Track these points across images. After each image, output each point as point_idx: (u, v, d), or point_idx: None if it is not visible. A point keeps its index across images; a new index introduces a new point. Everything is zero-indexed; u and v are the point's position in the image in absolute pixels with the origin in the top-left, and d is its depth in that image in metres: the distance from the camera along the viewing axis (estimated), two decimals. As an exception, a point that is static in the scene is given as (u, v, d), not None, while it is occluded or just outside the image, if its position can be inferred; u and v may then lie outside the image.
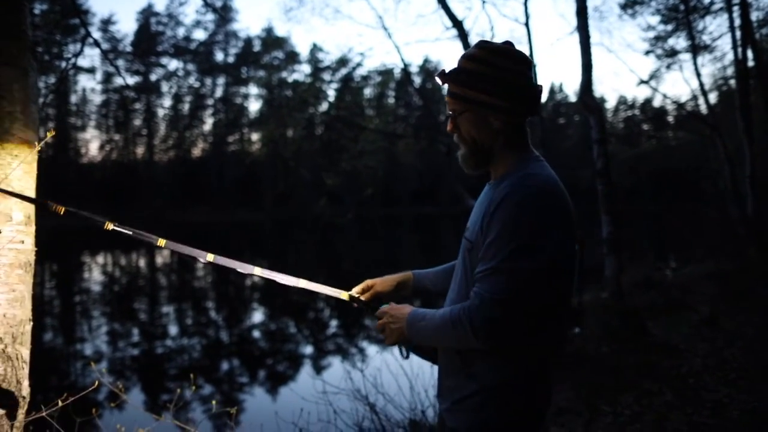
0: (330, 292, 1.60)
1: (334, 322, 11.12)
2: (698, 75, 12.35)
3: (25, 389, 1.66)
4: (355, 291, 1.63)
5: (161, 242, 1.47)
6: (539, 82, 1.32)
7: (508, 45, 1.31)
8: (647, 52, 14.37)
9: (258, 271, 1.57)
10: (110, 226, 1.44)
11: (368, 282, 1.64)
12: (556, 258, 1.16)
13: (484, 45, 1.30)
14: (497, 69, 1.27)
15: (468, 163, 1.35)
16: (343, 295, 1.62)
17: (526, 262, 1.13)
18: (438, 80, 1.34)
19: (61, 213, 1.47)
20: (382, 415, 3.82)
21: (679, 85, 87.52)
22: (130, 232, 1.47)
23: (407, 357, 1.46)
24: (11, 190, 1.53)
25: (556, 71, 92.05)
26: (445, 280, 1.54)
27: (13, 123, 1.63)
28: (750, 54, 10.89)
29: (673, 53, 13.89)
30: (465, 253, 1.31)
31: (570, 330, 6.97)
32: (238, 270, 1.54)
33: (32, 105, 1.70)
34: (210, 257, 1.49)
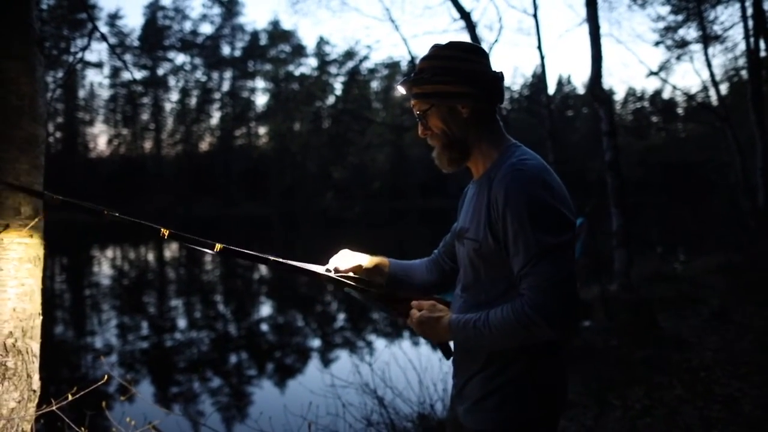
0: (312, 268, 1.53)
1: (341, 315, 11.16)
2: (709, 66, 12.22)
3: (36, 383, 1.66)
4: (334, 263, 1.54)
5: (218, 247, 1.41)
6: (499, 70, 1.35)
7: (458, 41, 1.35)
8: (657, 43, 14.23)
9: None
10: (165, 233, 1.37)
11: (348, 254, 1.56)
12: (574, 224, 1.20)
13: (437, 45, 1.35)
14: (454, 59, 1.30)
15: (442, 160, 1.35)
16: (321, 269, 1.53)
17: (556, 238, 1.15)
18: (400, 89, 1.36)
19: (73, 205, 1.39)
20: (390, 409, 3.83)
21: (689, 76, 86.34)
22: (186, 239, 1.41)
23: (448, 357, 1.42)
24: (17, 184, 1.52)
25: (564, 63, 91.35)
26: (417, 275, 1.56)
27: (20, 117, 1.62)
28: (762, 44, 10.74)
29: (683, 44, 13.73)
30: (471, 253, 1.29)
31: (578, 323, 6.95)
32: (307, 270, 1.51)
33: (39, 99, 1.69)
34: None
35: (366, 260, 1.53)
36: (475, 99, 1.29)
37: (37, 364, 1.66)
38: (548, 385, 1.24)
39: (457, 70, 1.28)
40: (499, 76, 1.33)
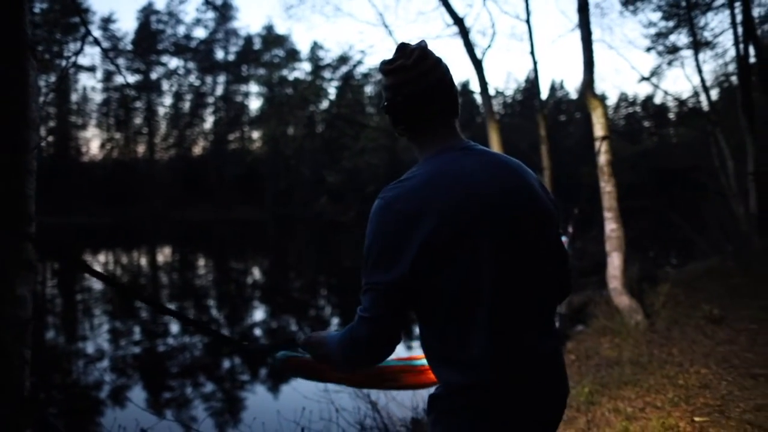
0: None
1: (335, 320, 11.13)
2: (700, 71, 12.35)
3: (27, 390, 1.65)
4: None
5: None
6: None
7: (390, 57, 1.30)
8: (648, 49, 14.35)
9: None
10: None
11: None
12: (419, 267, 1.11)
13: None
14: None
15: None
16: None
17: (380, 275, 1.14)
18: None
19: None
20: (384, 413, 3.83)
21: (680, 81, 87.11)
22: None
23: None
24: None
25: (557, 68, 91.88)
26: None
27: (13, 124, 1.62)
28: (752, 50, 10.86)
29: (674, 50, 13.86)
30: None
31: (571, 328, 6.98)
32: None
33: (32, 104, 1.69)
34: None
35: None
36: (392, 125, 1.31)
37: (27, 371, 1.65)
38: (472, 417, 1.13)
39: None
40: (397, 98, 1.24)
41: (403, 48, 1.26)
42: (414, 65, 1.22)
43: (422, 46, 1.25)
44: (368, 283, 1.16)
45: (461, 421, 1.14)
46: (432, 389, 1.23)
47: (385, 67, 1.27)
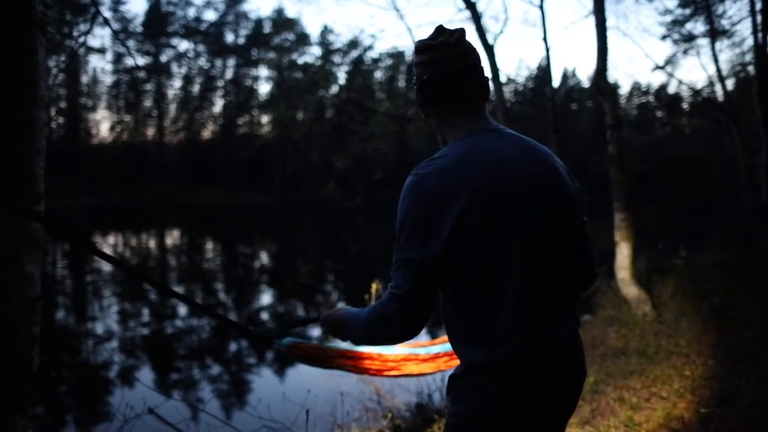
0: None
1: (341, 305, 11.17)
2: (716, 61, 12.16)
3: (35, 366, 1.67)
4: None
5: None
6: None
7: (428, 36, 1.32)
8: (664, 37, 14.13)
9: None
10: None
11: None
12: (450, 244, 1.12)
13: None
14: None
15: None
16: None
17: (413, 252, 1.14)
18: None
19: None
20: (388, 398, 3.85)
21: (695, 71, 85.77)
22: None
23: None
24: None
25: (569, 56, 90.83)
26: None
27: (21, 102, 1.62)
28: (770, 39, 10.64)
29: (690, 38, 13.63)
30: None
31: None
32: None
33: (41, 83, 1.68)
34: None
35: None
36: (421, 105, 1.33)
37: (37, 348, 1.67)
38: (493, 394, 1.16)
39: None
40: (437, 74, 1.26)
41: (442, 28, 1.30)
42: (456, 43, 1.27)
43: (462, 29, 1.30)
44: (400, 260, 1.16)
45: (482, 399, 1.16)
46: (452, 369, 1.24)
47: (428, 42, 1.29)
